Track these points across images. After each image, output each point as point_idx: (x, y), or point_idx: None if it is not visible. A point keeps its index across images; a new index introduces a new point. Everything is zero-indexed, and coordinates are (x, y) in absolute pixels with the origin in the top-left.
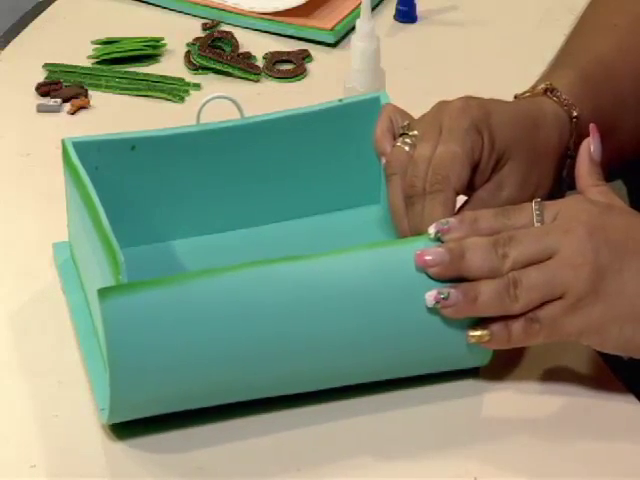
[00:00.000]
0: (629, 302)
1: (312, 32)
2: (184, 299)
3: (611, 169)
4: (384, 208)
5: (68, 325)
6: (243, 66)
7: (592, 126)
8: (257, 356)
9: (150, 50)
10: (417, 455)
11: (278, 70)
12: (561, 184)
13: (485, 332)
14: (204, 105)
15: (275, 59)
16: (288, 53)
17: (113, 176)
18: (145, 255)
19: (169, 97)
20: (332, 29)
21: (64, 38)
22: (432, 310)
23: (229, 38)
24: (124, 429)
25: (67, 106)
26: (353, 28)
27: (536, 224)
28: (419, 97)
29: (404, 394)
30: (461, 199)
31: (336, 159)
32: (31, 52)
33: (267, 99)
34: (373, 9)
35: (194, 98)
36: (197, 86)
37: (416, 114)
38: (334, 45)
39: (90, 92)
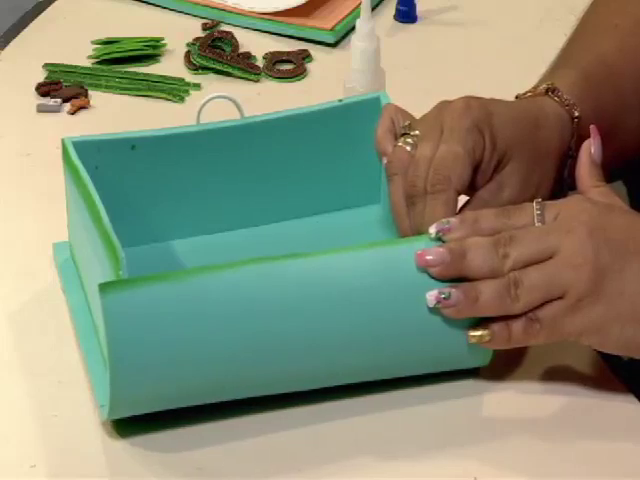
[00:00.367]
0: (630, 302)
1: (312, 32)
2: (185, 295)
3: (612, 169)
4: (384, 208)
5: (68, 325)
6: (243, 66)
7: (592, 127)
8: (257, 353)
9: (150, 50)
10: (417, 455)
11: (278, 70)
12: (562, 184)
13: (486, 332)
14: (204, 105)
15: (275, 59)
16: (288, 53)
17: (113, 176)
18: (145, 255)
19: (169, 97)
20: (332, 29)
21: (64, 38)
22: (433, 310)
23: (229, 38)
24: (124, 428)
25: (67, 106)
26: (353, 28)
27: (537, 224)
28: (419, 97)
29: (404, 394)
30: (462, 199)
31: (336, 159)
32: (31, 52)
33: (267, 99)
34: (373, 9)
35: (194, 98)
36: (197, 86)
37: (416, 114)
38: (334, 45)
39: (90, 92)
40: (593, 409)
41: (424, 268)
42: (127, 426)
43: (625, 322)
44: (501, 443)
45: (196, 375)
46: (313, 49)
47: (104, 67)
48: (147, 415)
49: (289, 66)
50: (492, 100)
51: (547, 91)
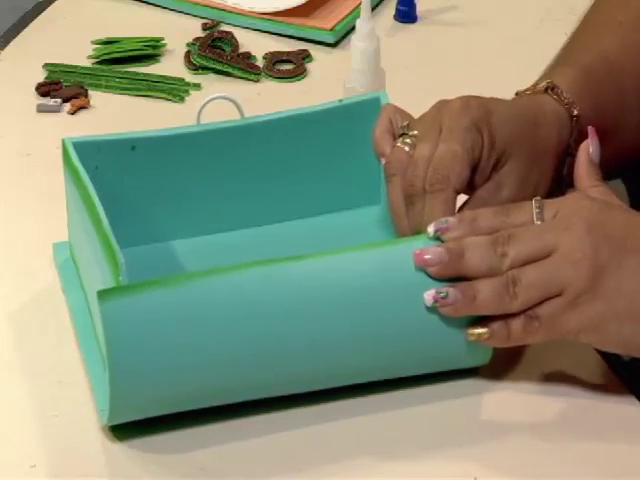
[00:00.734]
0: (628, 299)
1: (312, 32)
2: (184, 300)
3: (612, 168)
4: (384, 209)
5: (68, 325)
6: (243, 66)
7: (590, 128)
8: (256, 356)
9: (150, 50)
10: (417, 455)
11: (278, 70)
12: (561, 182)
13: (485, 330)
14: (204, 105)
15: (275, 59)
16: (288, 53)
17: (113, 176)
18: (145, 255)
19: (169, 97)
20: (332, 29)
21: (64, 38)
22: (432, 309)
23: (229, 38)
24: (124, 429)
25: (67, 106)
26: (353, 28)
27: (536, 222)
28: (419, 97)
29: (404, 394)
30: (462, 198)
31: (336, 160)
32: (31, 52)
33: (267, 99)
34: (373, 9)
35: (194, 98)
36: (197, 86)
37: (416, 114)
38: (334, 45)
39: (90, 92)
40: (593, 409)
41: (422, 267)
42: (127, 426)
43: (623, 320)
44: (501, 443)
45: (197, 380)
46: (313, 49)
47: (104, 67)
48: None
49: (289, 66)
50: (491, 99)
51: (547, 89)
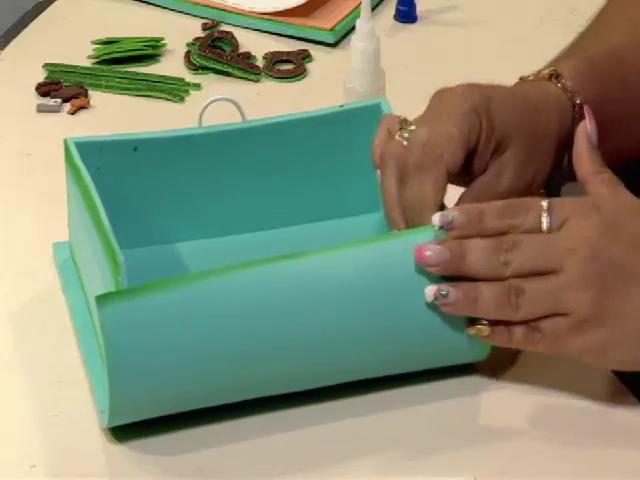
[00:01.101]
0: (634, 326)
1: (312, 32)
2: (183, 302)
3: (613, 164)
4: (383, 216)
5: (68, 325)
6: (243, 66)
7: (587, 108)
8: (255, 356)
9: (150, 50)
10: (417, 455)
11: (278, 70)
12: (562, 172)
13: (485, 327)
14: (206, 107)
15: (275, 59)
16: (288, 53)
17: (115, 177)
18: (145, 257)
19: (169, 97)
20: (332, 29)
21: (64, 38)
22: (431, 304)
23: (229, 38)
24: (124, 429)
25: (67, 106)
26: (353, 28)
27: (543, 227)
28: (419, 97)
29: (404, 394)
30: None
31: (336, 165)
32: (31, 52)
33: (267, 99)
34: (373, 9)
35: (194, 98)
36: (197, 86)
37: (416, 114)
38: (334, 45)
39: (90, 92)
40: (593, 410)
41: (422, 264)
42: (127, 427)
43: (629, 345)
44: (500, 443)
45: (197, 381)
46: (313, 49)
47: (104, 67)
48: None
49: (289, 66)
50: (491, 85)
51: (550, 76)
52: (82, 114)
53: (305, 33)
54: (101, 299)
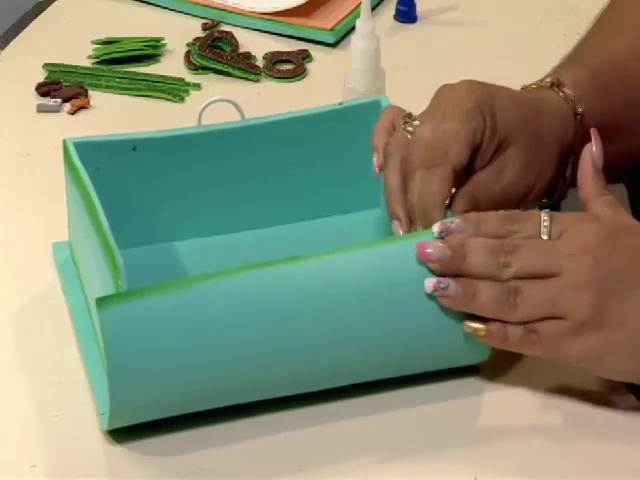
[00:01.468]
0: (631, 332)
1: (312, 32)
2: (183, 304)
3: (616, 169)
4: (384, 211)
5: (68, 325)
6: (243, 66)
7: (594, 131)
8: (256, 359)
9: (150, 50)
10: (417, 455)
11: (278, 70)
12: (564, 180)
13: (482, 326)
14: (205, 108)
15: (275, 59)
16: (288, 53)
17: (114, 177)
18: (145, 256)
19: (169, 97)
20: (332, 29)
21: (64, 38)
22: (431, 307)
23: (229, 38)
24: (124, 429)
25: (67, 106)
26: (353, 28)
27: (543, 236)
28: (419, 97)
29: (404, 394)
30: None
31: (336, 162)
32: (31, 52)
33: (267, 99)
34: (373, 9)
35: (194, 98)
36: (197, 86)
37: (416, 114)
38: (334, 45)
39: (90, 92)
40: (593, 409)
41: (423, 260)
42: (127, 427)
43: (625, 352)
44: (501, 443)
45: (197, 383)
46: (313, 49)
47: (104, 67)
48: None
49: (289, 66)
50: (495, 85)
51: (552, 85)
52: (82, 114)
53: (305, 33)
54: (101, 301)
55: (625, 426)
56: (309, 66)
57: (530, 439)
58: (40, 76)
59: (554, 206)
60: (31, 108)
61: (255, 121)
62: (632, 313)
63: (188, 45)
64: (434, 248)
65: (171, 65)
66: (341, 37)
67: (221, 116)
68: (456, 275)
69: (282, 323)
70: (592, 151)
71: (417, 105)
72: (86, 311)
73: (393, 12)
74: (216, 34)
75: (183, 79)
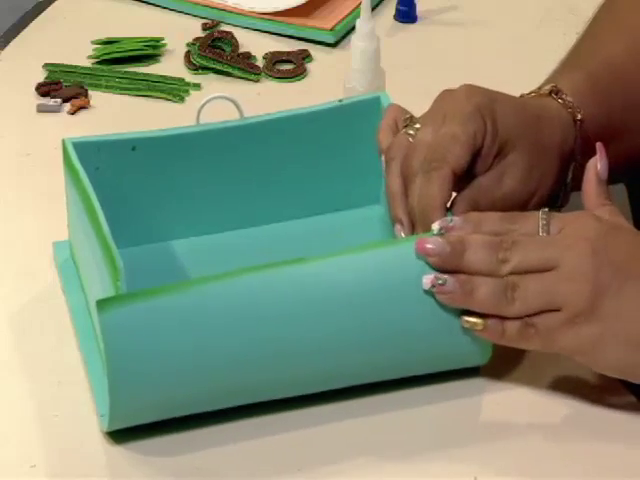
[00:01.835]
0: (626, 325)
1: (312, 32)
2: (183, 307)
3: (617, 171)
4: (384, 208)
5: (68, 325)
6: (243, 66)
7: (599, 145)
8: (256, 361)
9: (150, 50)
10: (417, 455)
11: (278, 70)
12: (565, 186)
13: (480, 321)
14: (204, 105)
15: (275, 59)
16: (288, 53)
17: (113, 176)
18: (145, 255)
19: (169, 97)
20: (332, 29)
21: (64, 38)
22: (433, 309)
23: (229, 38)
24: (124, 430)
25: (67, 106)
26: (353, 28)
27: (541, 234)
28: (419, 97)
29: (404, 395)
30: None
31: (336, 159)
32: (31, 52)
33: (267, 99)
34: (373, 9)
35: (194, 98)
36: (197, 86)
37: (416, 114)
38: (334, 45)
39: (90, 92)
40: (593, 409)
41: (422, 256)
42: (126, 427)
43: (620, 345)
44: (501, 443)
45: (197, 385)
46: (313, 49)
47: (104, 67)
48: None
49: (289, 66)
50: (496, 91)
51: (550, 92)
52: (82, 114)
53: (305, 33)
54: (101, 304)
55: (625, 426)
56: (309, 66)
57: (530, 439)
58: (40, 76)
59: (558, 209)
60: (31, 108)
61: (254, 119)
62: (628, 305)
63: (188, 45)
64: (433, 243)
65: (171, 65)
66: (341, 37)
67: (220, 115)
68: (455, 272)
69: (283, 325)
70: (596, 164)
71: (417, 105)
72: (86, 311)
73: (393, 12)
74: (216, 34)
75: (183, 79)
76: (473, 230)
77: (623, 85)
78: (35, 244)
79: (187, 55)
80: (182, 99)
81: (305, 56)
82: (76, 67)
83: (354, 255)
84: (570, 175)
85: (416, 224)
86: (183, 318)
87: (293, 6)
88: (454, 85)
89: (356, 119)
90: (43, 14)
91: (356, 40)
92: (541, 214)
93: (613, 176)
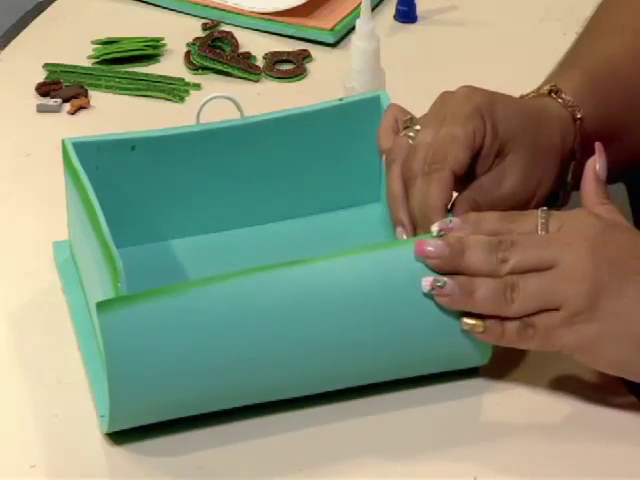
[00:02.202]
0: (625, 323)
1: (312, 32)
2: (183, 308)
3: (616, 170)
4: (384, 206)
5: (68, 325)
6: (243, 66)
7: (598, 145)
8: (256, 363)
9: (150, 50)
10: (417, 455)
11: (278, 70)
12: (565, 185)
13: (479, 323)
14: (204, 105)
15: (275, 59)
16: (288, 53)
17: (113, 176)
18: (145, 255)
19: (169, 97)
20: (332, 29)
21: (64, 38)
22: (432, 310)
23: (229, 38)
24: (124, 430)
25: (67, 106)
26: (353, 28)
27: (540, 232)
28: (419, 97)
29: (404, 395)
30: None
31: (336, 158)
32: (31, 52)
33: (267, 99)
34: (373, 9)
35: (194, 98)
36: (197, 86)
37: (416, 114)
38: (334, 45)
39: (90, 92)
40: (593, 409)
41: (422, 258)
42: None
43: (618, 343)
44: (501, 443)
45: (197, 387)
46: (313, 49)
47: (104, 67)
48: None
49: (289, 66)
50: (495, 92)
51: (550, 92)
52: (82, 114)
53: (305, 33)
54: (101, 305)
55: (625, 426)
56: (309, 66)
57: (530, 439)
58: (40, 76)
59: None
60: (31, 108)
61: (254, 119)
62: (627, 303)
63: (188, 45)
64: (433, 245)
65: (171, 65)
66: (341, 37)
67: (220, 115)
68: (454, 273)
69: (282, 327)
70: (595, 164)
71: (417, 105)
72: (86, 311)
73: (393, 12)
74: (216, 34)
75: (183, 79)
76: (472, 230)
77: (622, 84)
78: (35, 244)
79: (187, 55)
80: (182, 99)
81: (305, 56)
82: (76, 67)
83: (354, 256)
84: (570, 174)
85: (417, 226)
86: (183, 319)
87: (293, 6)
88: (454, 85)
89: (356, 118)
90: (43, 14)
91: (356, 40)
92: (540, 213)
93: (612, 175)
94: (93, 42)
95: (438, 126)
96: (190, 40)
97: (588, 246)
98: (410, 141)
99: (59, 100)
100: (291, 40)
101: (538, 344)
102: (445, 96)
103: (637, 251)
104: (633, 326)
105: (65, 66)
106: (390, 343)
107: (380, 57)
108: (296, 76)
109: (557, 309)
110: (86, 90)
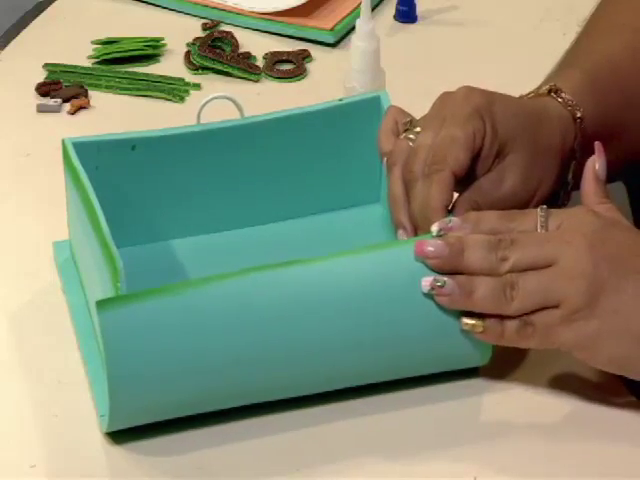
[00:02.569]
0: (624, 321)
1: (312, 32)
2: (183, 308)
3: (616, 170)
4: (384, 207)
5: (68, 325)
6: (243, 66)
7: (597, 144)
8: (256, 362)
9: (150, 50)
10: (417, 455)
11: (278, 70)
12: (566, 185)
13: (479, 323)
14: (204, 105)
15: (275, 59)
16: (288, 53)
17: (113, 176)
18: (145, 255)
19: (169, 97)
20: (332, 29)
21: (64, 38)
22: (431, 310)
23: (229, 38)
24: (124, 430)
25: (67, 106)
26: (353, 28)
27: (539, 230)
28: (419, 97)
29: (404, 395)
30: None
31: (336, 158)
32: (31, 52)
33: (267, 99)
34: (373, 9)
35: (194, 98)
36: (197, 86)
37: (416, 114)
38: (334, 45)
39: (90, 92)
40: (593, 409)
41: (421, 258)
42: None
43: (618, 340)
44: (501, 443)
45: (196, 386)
46: (313, 49)
47: (104, 67)
48: None
49: (289, 66)
50: (495, 92)
51: (550, 92)
52: (82, 114)
53: (305, 33)
54: (101, 304)
55: (625, 426)
56: (309, 66)
57: (530, 439)
58: (40, 76)
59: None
60: (31, 108)
61: (254, 119)
62: (625, 300)
63: (188, 45)
64: (432, 246)
65: (171, 65)
66: (341, 37)
67: (220, 115)
68: (454, 273)
69: (282, 326)
70: (594, 164)
71: (417, 105)
72: (86, 311)
73: (393, 12)
74: (216, 34)
75: (183, 79)
76: (472, 230)
77: (621, 83)
78: (35, 244)
79: (187, 55)
80: (182, 99)
81: (305, 56)
82: (76, 67)
83: (354, 257)
84: (571, 174)
85: (418, 228)
86: (183, 319)
87: (293, 6)
88: (454, 85)
89: (356, 118)
90: (43, 14)
91: (356, 40)
92: (539, 211)
93: (612, 174)
94: (93, 42)
95: (438, 128)
96: (190, 40)
97: (587, 244)
98: (410, 143)
99: (59, 100)
100: (291, 40)
101: (538, 342)
102: (444, 97)
103: (636, 249)
104: (632, 323)
105: (65, 66)
106: (390, 343)
107: (380, 57)
108: (296, 76)
109: (556, 307)
110: (86, 90)
